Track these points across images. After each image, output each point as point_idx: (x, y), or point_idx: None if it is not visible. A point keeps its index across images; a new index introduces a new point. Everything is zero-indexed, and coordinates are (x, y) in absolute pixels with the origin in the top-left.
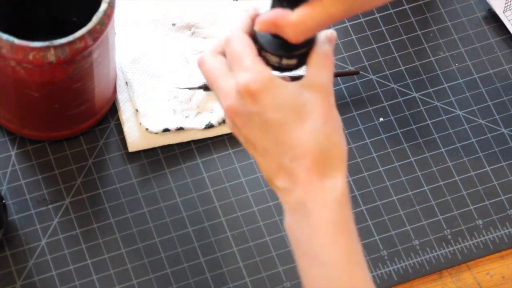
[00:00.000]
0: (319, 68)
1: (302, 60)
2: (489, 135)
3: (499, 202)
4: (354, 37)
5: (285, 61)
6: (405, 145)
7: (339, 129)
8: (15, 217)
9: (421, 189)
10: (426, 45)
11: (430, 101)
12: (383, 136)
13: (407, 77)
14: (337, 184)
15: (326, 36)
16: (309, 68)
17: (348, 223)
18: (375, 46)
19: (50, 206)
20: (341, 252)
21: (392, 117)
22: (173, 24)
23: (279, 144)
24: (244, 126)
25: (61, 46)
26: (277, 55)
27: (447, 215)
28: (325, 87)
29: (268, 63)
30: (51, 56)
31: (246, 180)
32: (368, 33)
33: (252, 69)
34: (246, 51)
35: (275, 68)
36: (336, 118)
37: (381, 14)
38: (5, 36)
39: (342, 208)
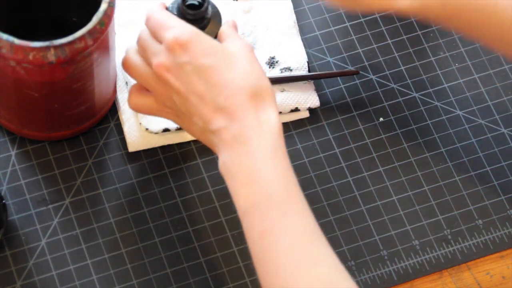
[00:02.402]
0: (232, 37)
1: None
2: (489, 135)
3: (499, 202)
4: (354, 37)
5: None
6: (405, 145)
7: (266, 76)
8: (15, 217)
9: (421, 189)
10: (426, 45)
11: (430, 101)
12: (383, 136)
13: (407, 77)
14: (271, 118)
15: (227, 22)
16: (223, 40)
17: (284, 152)
18: (375, 46)
19: (50, 206)
20: (279, 172)
21: (392, 117)
22: None
23: (214, 86)
24: (177, 78)
25: (61, 46)
26: None
27: (447, 215)
28: (245, 44)
29: None
30: (51, 56)
31: None
32: (368, 33)
33: (179, 25)
34: (169, 16)
35: None
36: (261, 67)
37: (381, 14)
38: (5, 36)
39: (278, 138)
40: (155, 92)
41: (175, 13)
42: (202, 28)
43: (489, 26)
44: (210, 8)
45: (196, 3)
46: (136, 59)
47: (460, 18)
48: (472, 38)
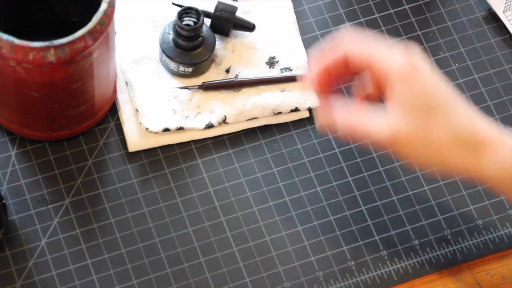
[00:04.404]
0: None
1: (197, 70)
2: None
3: (499, 202)
4: None
5: (182, 68)
6: None
7: None
8: (15, 217)
9: (421, 189)
10: (426, 45)
11: None
12: None
13: None
14: None
15: None
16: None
17: None
18: None
19: (50, 206)
20: None
21: None
22: None
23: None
24: None
25: (61, 46)
26: (176, 62)
27: (447, 215)
28: None
29: (168, 68)
30: (51, 56)
31: (246, 180)
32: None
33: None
34: None
35: (174, 73)
36: None
37: (381, 14)
38: (5, 36)
39: None
40: None
41: (172, 31)
42: (196, 46)
43: None
44: (204, 28)
45: (191, 22)
46: None
47: None
48: None
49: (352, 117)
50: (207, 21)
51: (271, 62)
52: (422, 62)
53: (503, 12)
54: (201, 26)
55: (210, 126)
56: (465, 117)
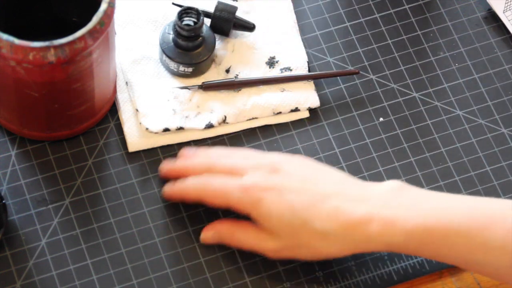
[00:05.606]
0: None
1: (197, 70)
2: (489, 135)
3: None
4: (354, 37)
5: (182, 68)
6: (405, 145)
7: None
8: (15, 217)
9: None
10: (426, 45)
11: (430, 101)
12: (383, 136)
13: (407, 77)
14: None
15: None
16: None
17: None
18: (375, 46)
19: (50, 206)
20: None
21: (392, 117)
22: None
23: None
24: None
25: (61, 46)
26: (176, 62)
27: None
28: None
29: (168, 68)
30: (51, 56)
31: None
32: (368, 33)
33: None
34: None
35: (174, 73)
36: None
37: (381, 14)
38: (5, 36)
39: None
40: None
41: (172, 31)
42: (196, 46)
43: (457, 252)
44: (204, 28)
45: (191, 22)
46: None
47: (425, 250)
48: (447, 263)
49: (236, 233)
50: (207, 21)
51: (271, 62)
52: (266, 184)
53: (503, 12)
54: (201, 26)
55: (210, 126)
56: (326, 215)
